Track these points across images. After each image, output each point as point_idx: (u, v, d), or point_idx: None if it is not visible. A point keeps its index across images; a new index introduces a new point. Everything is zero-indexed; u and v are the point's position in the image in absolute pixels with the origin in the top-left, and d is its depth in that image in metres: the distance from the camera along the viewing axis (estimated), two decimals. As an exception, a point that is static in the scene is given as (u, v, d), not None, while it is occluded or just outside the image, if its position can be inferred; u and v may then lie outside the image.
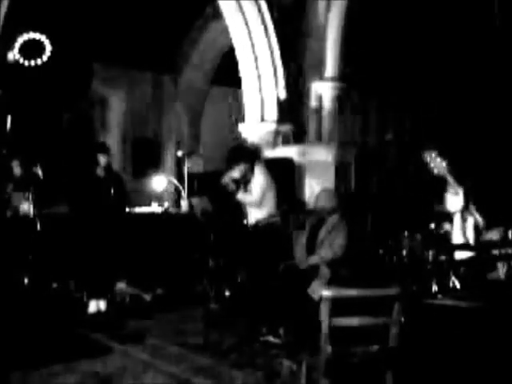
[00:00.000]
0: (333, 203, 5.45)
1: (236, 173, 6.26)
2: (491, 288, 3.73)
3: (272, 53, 9.39)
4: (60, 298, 6.57)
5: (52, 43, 8.96)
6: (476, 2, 9.78)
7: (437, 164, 3.98)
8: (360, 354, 3.42)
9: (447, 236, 5.01)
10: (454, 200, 4.00)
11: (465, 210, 3.99)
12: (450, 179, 3.99)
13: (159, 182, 8.90)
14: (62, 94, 10.01)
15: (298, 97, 9.62)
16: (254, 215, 6.27)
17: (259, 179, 6.18)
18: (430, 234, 6.31)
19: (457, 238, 4.07)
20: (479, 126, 9.79)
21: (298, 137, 9.52)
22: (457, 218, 4.03)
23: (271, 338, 5.20)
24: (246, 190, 6.24)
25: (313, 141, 9.53)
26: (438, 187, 4.16)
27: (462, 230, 4.00)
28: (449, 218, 4.26)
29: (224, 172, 6.46)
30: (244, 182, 6.27)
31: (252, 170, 6.20)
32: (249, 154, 6.44)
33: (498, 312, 3.39)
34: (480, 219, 3.96)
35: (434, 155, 3.99)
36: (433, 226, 6.35)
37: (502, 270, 3.71)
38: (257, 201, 6.16)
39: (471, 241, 4.00)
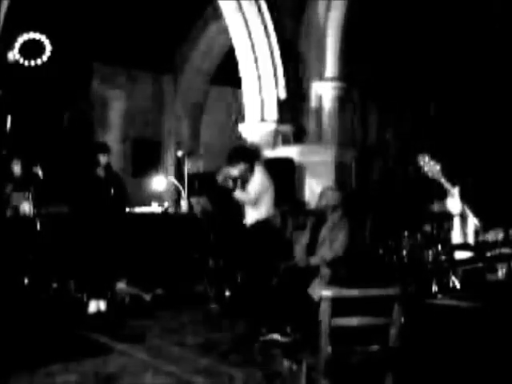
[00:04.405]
0: (336, 201, 5.44)
1: (235, 171, 6.29)
2: (491, 288, 3.73)
3: (272, 53, 9.40)
4: (60, 298, 6.57)
5: (52, 43, 8.96)
6: (476, 3, 9.79)
7: (430, 167, 3.98)
8: (360, 354, 3.42)
9: (446, 236, 5.02)
10: (453, 202, 4.00)
11: (463, 211, 3.99)
12: (443, 182, 3.99)
13: (159, 182, 8.91)
14: (62, 94, 10.02)
15: (298, 97, 9.63)
16: (252, 215, 6.28)
17: (257, 178, 6.20)
18: (431, 234, 6.31)
19: (456, 239, 4.06)
20: (479, 126, 9.78)
21: (297, 137, 9.53)
22: (456, 220, 4.03)
23: (277, 337, 5.18)
24: (243, 188, 6.27)
25: (313, 141, 9.53)
26: (435, 188, 4.16)
27: (461, 232, 4.00)
28: (449, 219, 4.26)
29: (220, 169, 6.49)
30: (242, 181, 6.29)
31: (251, 170, 6.23)
32: (249, 154, 6.46)
33: (498, 312, 3.39)
34: (476, 220, 3.96)
35: (427, 158, 4.00)
36: (429, 227, 6.35)
37: (501, 270, 3.71)
38: (252, 200, 6.19)
39: (471, 241, 4.00)
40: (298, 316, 4.69)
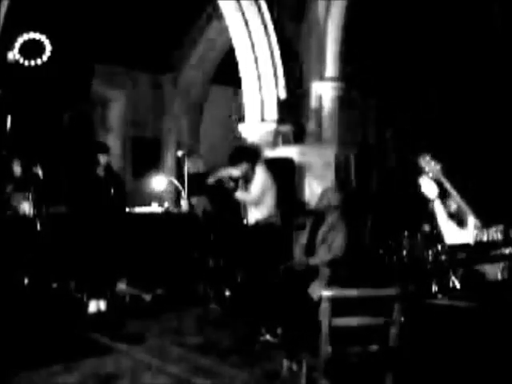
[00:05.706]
0: (337, 201, 5.43)
1: (237, 171, 6.32)
2: (491, 288, 3.73)
3: (272, 53, 9.39)
4: (60, 297, 6.57)
5: (52, 43, 8.95)
6: (476, 2, 9.79)
7: (431, 167, 3.97)
8: (360, 353, 3.42)
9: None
10: (428, 184, 3.93)
11: (447, 198, 3.95)
12: (444, 182, 3.98)
13: (159, 182, 8.90)
14: (62, 94, 10.01)
15: (298, 97, 9.62)
16: (254, 215, 6.30)
17: (259, 178, 6.23)
18: (430, 234, 6.32)
19: (443, 226, 4.00)
20: (479, 125, 9.78)
21: (297, 137, 9.52)
22: (437, 204, 3.96)
23: (268, 337, 5.20)
24: (246, 188, 6.29)
25: (313, 141, 9.53)
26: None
27: (447, 214, 3.95)
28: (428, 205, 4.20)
29: (215, 171, 6.52)
30: (245, 181, 6.32)
31: (253, 170, 6.26)
32: (251, 154, 6.48)
33: (498, 312, 3.39)
34: (476, 219, 3.93)
35: (427, 158, 3.99)
36: (428, 227, 6.35)
37: (500, 270, 3.71)
38: (254, 200, 6.22)
39: (471, 241, 3.99)
40: (298, 316, 4.69)
